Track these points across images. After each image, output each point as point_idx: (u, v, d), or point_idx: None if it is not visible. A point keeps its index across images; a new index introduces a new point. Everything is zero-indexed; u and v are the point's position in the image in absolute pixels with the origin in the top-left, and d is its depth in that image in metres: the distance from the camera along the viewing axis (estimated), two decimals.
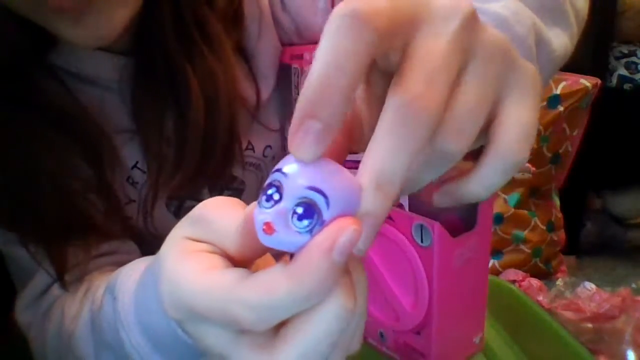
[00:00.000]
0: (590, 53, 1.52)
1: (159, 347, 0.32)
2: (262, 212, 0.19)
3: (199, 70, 0.45)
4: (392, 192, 0.19)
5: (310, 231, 0.19)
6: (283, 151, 0.59)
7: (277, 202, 0.19)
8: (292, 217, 0.19)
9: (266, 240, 0.19)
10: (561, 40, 0.39)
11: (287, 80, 0.55)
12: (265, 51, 0.53)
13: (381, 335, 0.45)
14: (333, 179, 0.19)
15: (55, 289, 0.46)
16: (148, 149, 0.48)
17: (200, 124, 0.45)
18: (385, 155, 0.19)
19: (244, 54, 0.52)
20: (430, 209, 0.37)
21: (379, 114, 0.19)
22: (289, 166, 0.19)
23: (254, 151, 0.55)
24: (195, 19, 0.46)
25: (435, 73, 0.19)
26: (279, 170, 0.20)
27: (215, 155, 0.48)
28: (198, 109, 0.45)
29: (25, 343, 0.49)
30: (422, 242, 0.37)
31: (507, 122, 0.21)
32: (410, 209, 0.39)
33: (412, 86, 0.19)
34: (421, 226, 0.37)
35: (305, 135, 0.18)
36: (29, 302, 0.47)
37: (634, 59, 1.58)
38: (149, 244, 0.53)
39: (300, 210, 0.19)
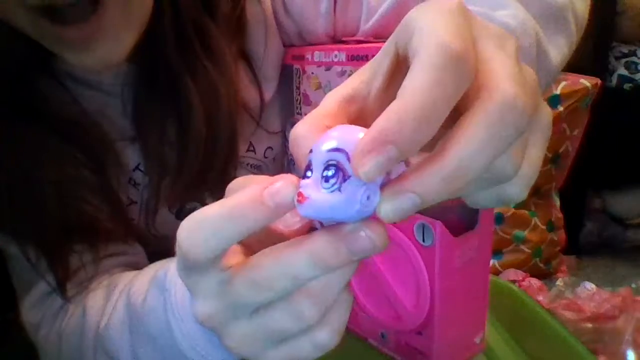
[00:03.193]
0: (590, 53, 1.52)
1: (213, 337, 0.32)
2: (300, 189, 0.20)
3: (200, 84, 0.46)
4: (457, 187, 0.19)
5: (339, 189, 0.19)
6: (284, 152, 0.59)
7: (310, 177, 0.20)
8: (322, 182, 0.20)
9: (302, 210, 0.20)
10: (560, 51, 0.40)
11: (289, 81, 0.55)
12: (270, 55, 0.53)
13: (382, 335, 0.45)
14: (348, 135, 0.19)
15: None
16: (148, 154, 0.48)
17: (202, 137, 0.46)
18: (472, 147, 0.18)
19: (248, 59, 0.52)
20: (433, 207, 0.37)
21: None
22: (315, 144, 0.20)
23: (254, 153, 0.55)
24: (197, 32, 0.46)
25: (521, 80, 0.19)
26: (310, 151, 0.21)
27: (216, 167, 0.48)
28: (199, 122, 0.45)
29: (25, 342, 0.49)
30: (423, 241, 0.37)
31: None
32: None
33: (510, 87, 0.19)
34: (423, 225, 0.37)
35: (378, 158, 0.18)
36: (38, 300, 0.47)
37: (634, 59, 1.58)
38: (152, 245, 0.53)
39: (326, 173, 0.19)
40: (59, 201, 0.43)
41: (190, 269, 0.23)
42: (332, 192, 0.19)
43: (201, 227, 0.21)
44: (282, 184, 0.20)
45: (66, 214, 0.44)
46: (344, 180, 0.19)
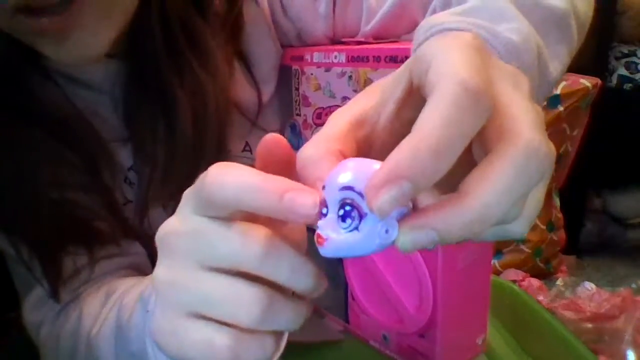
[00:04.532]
0: (590, 53, 1.51)
1: None
2: (318, 230, 0.20)
3: (188, 84, 0.45)
4: (477, 230, 0.19)
5: (357, 228, 0.20)
6: None
7: (326, 215, 0.20)
8: (338, 221, 0.20)
9: (323, 251, 0.20)
10: (561, 60, 0.39)
11: (287, 81, 0.55)
12: (267, 56, 0.53)
13: (384, 337, 0.45)
14: (360, 172, 0.20)
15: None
16: (140, 154, 0.48)
17: (188, 138, 0.45)
18: (498, 193, 0.18)
19: (246, 60, 0.52)
20: None
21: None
22: (328, 178, 0.20)
23: (251, 152, 0.55)
24: (184, 31, 0.45)
25: (541, 126, 0.20)
26: (323, 187, 0.21)
27: (203, 166, 0.47)
28: (186, 122, 0.45)
29: (27, 342, 0.49)
30: None
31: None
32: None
33: (534, 134, 0.19)
34: None
35: (391, 192, 0.18)
36: (39, 301, 0.47)
37: (634, 59, 1.58)
38: (152, 245, 0.53)
39: (341, 212, 0.20)
40: (54, 202, 0.43)
41: (206, 207, 0.23)
42: (350, 231, 0.20)
43: (227, 179, 0.22)
44: (306, 200, 0.20)
45: (60, 215, 0.44)
46: (361, 219, 0.19)
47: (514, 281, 1.29)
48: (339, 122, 0.24)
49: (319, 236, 0.20)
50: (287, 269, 0.22)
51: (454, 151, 0.18)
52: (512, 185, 0.18)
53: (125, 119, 0.48)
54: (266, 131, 0.55)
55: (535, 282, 1.28)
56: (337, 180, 0.20)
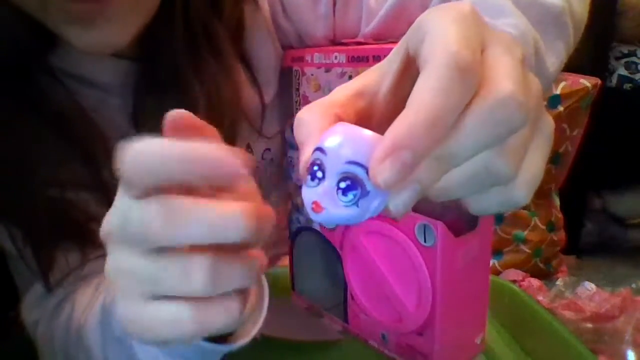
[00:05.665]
0: (590, 53, 1.51)
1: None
2: (309, 192, 0.21)
3: (205, 83, 0.45)
4: (447, 170, 0.20)
5: (357, 203, 0.20)
6: (283, 153, 0.59)
7: (321, 179, 0.20)
8: (337, 192, 0.20)
9: (317, 217, 0.21)
10: (559, 56, 0.40)
11: (288, 83, 0.55)
12: (268, 58, 0.53)
13: (383, 336, 0.45)
14: (369, 149, 0.20)
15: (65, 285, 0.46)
16: None
17: None
18: (461, 133, 0.19)
19: (248, 63, 0.52)
20: (433, 208, 0.37)
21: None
22: (327, 143, 0.20)
23: (252, 154, 0.55)
24: (204, 32, 0.46)
25: (520, 79, 0.20)
26: (319, 148, 0.21)
27: None
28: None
29: (26, 341, 0.49)
30: (425, 242, 0.37)
31: (523, 167, 0.22)
32: (412, 209, 0.39)
33: (505, 83, 0.19)
34: (424, 226, 0.37)
35: (393, 165, 0.18)
36: (38, 299, 0.47)
37: (634, 59, 1.58)
38: None
39: (343, 185, 0.20)
40: (52, 199, 0.44)
41: (129, 190, 0.24)
42: (349, 206, 0.20)
43: (145, 157, 0.22)
44: (235, 161, 0.21)
45: (58, 213, 0.44)
46: (363, 196, 0.20)
47: (514, 281, 1.29)
48: (340, 92, 0.24)
49: (317, 204, 0.20)
50: (203, 228, 0.22)
51: (446, 120, 0.19)
52: (478, 129, 0.19)
53: (133, 119, 0.48)
54: (265, 135, 0.55)
55: (535, 282, 1.28)
56: (343, 153, 0.20)
